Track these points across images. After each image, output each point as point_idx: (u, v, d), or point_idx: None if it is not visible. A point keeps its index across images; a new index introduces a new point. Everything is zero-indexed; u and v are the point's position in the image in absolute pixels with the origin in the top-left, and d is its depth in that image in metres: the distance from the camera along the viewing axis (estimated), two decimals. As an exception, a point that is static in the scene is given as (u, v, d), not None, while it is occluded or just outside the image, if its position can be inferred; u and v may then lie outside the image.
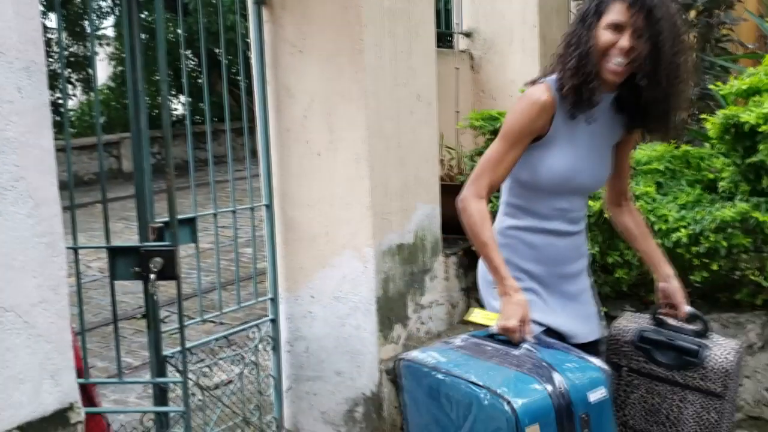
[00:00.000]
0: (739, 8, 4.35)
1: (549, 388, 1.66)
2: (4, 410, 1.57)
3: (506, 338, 1.83)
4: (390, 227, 3.11)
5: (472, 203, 1.93)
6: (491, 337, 1.87)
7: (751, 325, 3.00)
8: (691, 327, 2.09)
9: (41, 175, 1.63)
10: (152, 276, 2.09)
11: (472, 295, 3.66)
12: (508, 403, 1.60)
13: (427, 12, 3.28)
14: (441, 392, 1.76)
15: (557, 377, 1.69)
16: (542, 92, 1.91)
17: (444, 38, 4.69)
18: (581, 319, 2.08)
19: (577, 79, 1.84)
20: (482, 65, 4.61)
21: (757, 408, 2.96)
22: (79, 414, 1.72)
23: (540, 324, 2.01)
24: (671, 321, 2.13)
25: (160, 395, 2.47)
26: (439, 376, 1.76)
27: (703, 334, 2.06)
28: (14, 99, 1.57)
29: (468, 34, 4.66)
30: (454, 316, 3.59)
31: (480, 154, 3.74)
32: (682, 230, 2.94)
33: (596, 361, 1.79)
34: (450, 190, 3.70)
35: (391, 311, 3.14)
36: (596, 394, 1.72)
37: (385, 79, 3.03)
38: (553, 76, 1.93)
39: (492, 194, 1.99)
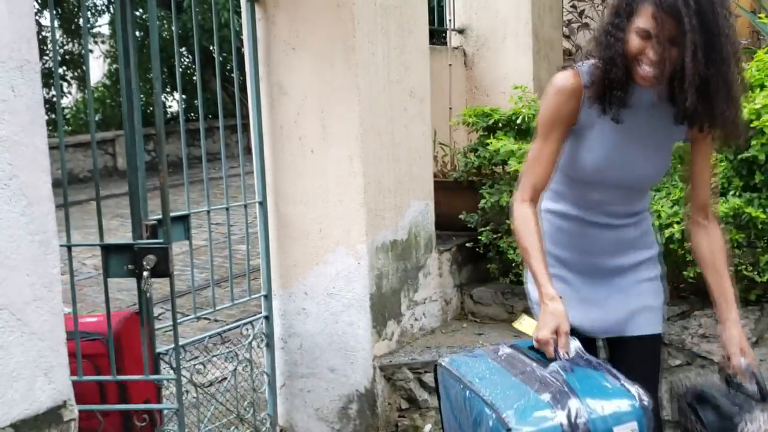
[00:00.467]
0: (731, 4, 4.36)
1: (563, 417, 1.51)
2: (-2, 408, 1.57)
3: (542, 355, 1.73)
4: (383, 224, 3.12)
5: (515, 208, 1.85)
6: (532, 348, 1.76)
7: (745, 321, 3.02)
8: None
9: (35, 173, 1.63)
10: (145, 274, 2.10)
11: (465, 291, 3.67)
12: (508, 430, 1.50)
13: (419, 8, 3.29)
14: (464, 403, 1.71)
15: (575, 405, 1.53)
16: (566, 78, 1.81)
17: (437, 35, 4.69)
18: (624, 312, 1.94)
19: (606, 82, 1.73)
20: (475, 62, 4.61)
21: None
22: (73, 411, 1.73)
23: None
24: (742, 378, 1.82)
25: (154, 392, 2.48)
26: (462, 386, 1.72)
27: (761, 397, 1.74)
28: (7, 98, 1.57)
29: (461, 31, 4.66)
30: (448, 313, 3.61)
31: (473, 150, 3.75)
32: (675, 226, 2.95)
33: (634, 390, 1.59)
34: (444, 186, 3.72)
35: (384, 308, 3.15)
36: (624, 429, 1.52)
37: (378, 76, 3.04)
38: (588, 62, 1.79)
39: (539, 191, 1.89)
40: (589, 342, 1.99)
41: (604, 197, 1.90)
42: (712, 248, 1.91)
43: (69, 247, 2.10)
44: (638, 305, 1.95)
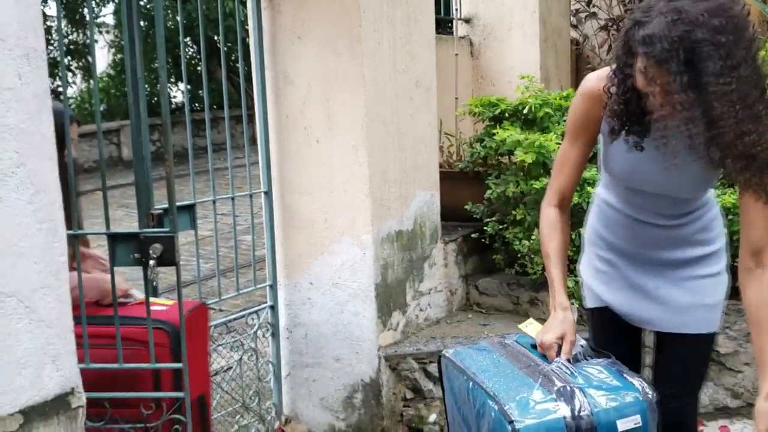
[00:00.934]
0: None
1: (566, 410, 1.53)
2: (6, 394, 1.58)
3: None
4: (389, 214, 3.12)
5: (542, 211, 1.84)
6: (535, 347, 1.78)
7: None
8: None
9: (41, 161, 1.64)
10: (152, 262, 2.10)
11: (470, 282, 3.67)
12: (511, 422, 1.52)
13: (426, -2, 3.28)
14: (467, 395, 1.73)
15: (580, 399, 1.54)
16: (594, 80, 1.74)
17: (443, 24, 4.67)
18: (674, 307, 1.83)
19: (624, 116, 1.64)
20: (482, 51, 4.60)
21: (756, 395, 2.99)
22: (80, 399, 1.73)
23: (601, 300, 1.92)
24: None
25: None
26: (466, 378, 1.74)
27: None
28: (14, 86, 1.57)
29: (467, 20, 4.65)
30: (453, 303, 3.61)
31: (479, 140, 3.74)
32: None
33: (638, 383, 1.61)
34: (449, 176, 3.72)
35: (389, 298, 3.15)
36: (628, 423, 1.54)
37: (384, 65, 3.03)
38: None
39: (567, 196, 1.86)
40: (633, 330, 1.96)
41: (645, 202, 1.80)
42: (760, 300, 1.64)
43: (76, 236, 2.10)
44: (691, 301, 1.82)
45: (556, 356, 1.71)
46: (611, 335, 1.98)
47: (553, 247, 1.81)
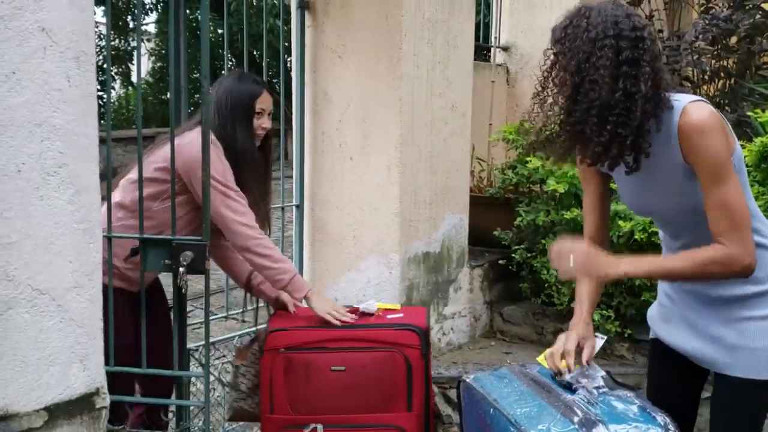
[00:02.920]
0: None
1: None
2: (33, 390, 1.60)
3: (566, 383, 1.72)
4: (417, 235, 3.12)
5: None
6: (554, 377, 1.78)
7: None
8: None
9: (84, 162, 1.67)
10: (182, 269, 2.12)
11: (495, 309, 3.65)
12: None
13: (466, 24, 3.30)
14: (488, 421, 1.71)
15: (601, 431, 1.53)
16: None
17: (481, 51, 4.69)
18: (722, 346, 1.75)
19: None
20: (518, 80, 4.61)
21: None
22: (105, 399, 1.75)
23: (654, 332, 1.91)
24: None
25: (181, 388, 2.50)
26: (487, 404, 1.73)
27: None
28: (63, 87, 1.61)
29: (505, 48, 4.66)
30: (477, 329, 3.59)
31: (512, 167, 3.74)
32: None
33: (661, 419, 1.58)
34: (479, 201, 3.71)
35: (413, 319, 3.14)
36: None
37: (422, 88, 3.05)
38: None
39: (598, 239, 1.85)
40: (690, 375, 1.88)
41: (667, 229, 1.80)
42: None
43: (110, 238, 2.13)
44: (738, 342, 1.73)
45: (576, 362, 1.71)
46: (664, 373, 1.92)
47: (581, 289, 1.82)
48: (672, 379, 1.91)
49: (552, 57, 1.63)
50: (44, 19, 1.56)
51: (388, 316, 2.27)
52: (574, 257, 1.68)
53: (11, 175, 1.53)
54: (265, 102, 2.34)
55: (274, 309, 2.43)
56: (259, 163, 2.38)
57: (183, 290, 2.22)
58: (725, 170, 1.57)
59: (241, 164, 2.31)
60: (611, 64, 1.54)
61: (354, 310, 2.29)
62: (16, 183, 1.54)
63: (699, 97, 1.63)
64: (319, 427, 2.16)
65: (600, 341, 1.79)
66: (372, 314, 2.29)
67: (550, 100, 1.63)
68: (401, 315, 2.29)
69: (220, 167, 2.22)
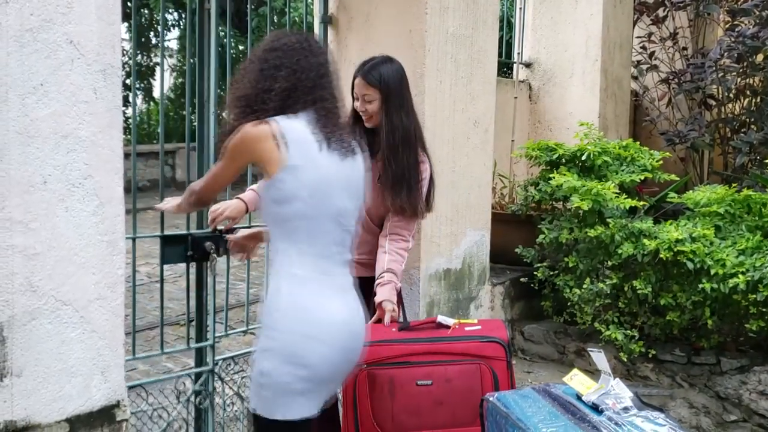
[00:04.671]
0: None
1: None
2: (54, 401, 1.60)
3: (592, 403, 1.71)
4: (438, 251, 3.09)
5: None
6: (580, 399, 1.75)
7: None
8: None
9: (108, 174, 1.67)
10: (213, 255, 2.25)
11: (516, 327, 3.61)
12: None
13: (490, 40, 3.29)
14: None
15: None
16: None
17: (504, 67, 4.69)
18: None
19: None
20: (540, 96, 4.59)
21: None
22: (125, 412, 1.74)
23: None
24: None
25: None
26: (510, 423, 1.71)
27: None
28: (89, 100, 1.62)
29: (528, 65, 4.65)
30: (497, 347, 3.54)
31: (534, 184, 3.71)
32: (740, 276, 2.85)
33: None
34: (500, 218, 3.69)
35: (434, 336, 3.11)
36: None
37: (444, 104, 3.04)
38: None
39: None
40: None
41: None
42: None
43: (133, 239, 2.19)
44: None
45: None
46: None
47: None
48: None
49: None
50: (72, 32, 1.57)
51: (466, 329, 2.21)
52: None
53: (37, 186, 1.54)
54: (357, 86, 2.33)
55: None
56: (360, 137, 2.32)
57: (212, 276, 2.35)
58: None
59: None
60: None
61: (431, 321, 2.25)
62: (42, 194, 1.55)
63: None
64: None
65: (630, 393, 1.74)
66: (449, 327, 2.22)
67: None
68: (479, 327, 2.22)
69: None
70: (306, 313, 1.60)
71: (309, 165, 1.58)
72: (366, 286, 2.17)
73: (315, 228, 1.61)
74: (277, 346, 1.59)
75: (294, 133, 1.57)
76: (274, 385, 1.58)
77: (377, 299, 2.22)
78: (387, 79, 2.30)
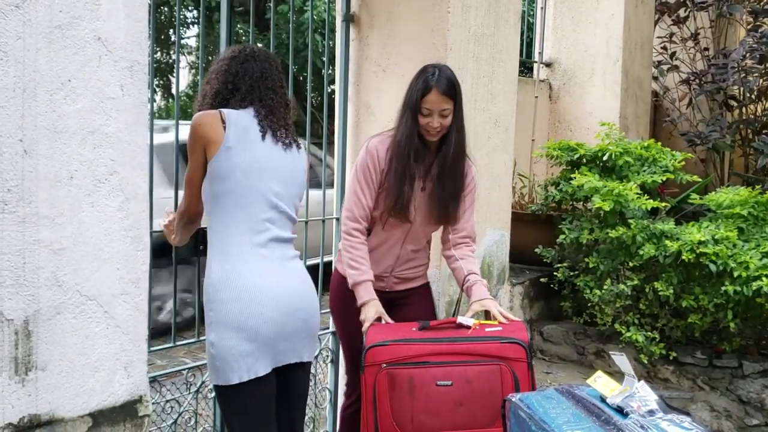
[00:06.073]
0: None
1: None
2: (78, 396, 1.60)
3: (617, 406, 1.69)
4: (458, 251, 3.08)
5: None
6: (604, 401, 1.73)
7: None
8: None
9: (134, 170, 1.68)
10: None
11: (535, 328, 3.59)
12: None
13: (511, 39, 3.27)
14: None
15: None
16: None
17: (524, 67, 4.66)
18: None
19: None
20: (561, 96, 4.56)
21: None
22: (147, 407, 1.75)
23: None
24: None
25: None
26: (533, 424, 1.70)
27: None
28: (116, 96, 1.62)
29: (549, 64, 4.63)
30: (515, 347, 3.52)
31: (555, 184, 3.69)
32: (764, 279, 2.82)
33: None
34: (520, 218, 3.67)
35: (452, 336, 3.09)
36: None
37: (465, 102, 3.01)
38: None
39: None
40: None
41: None
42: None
43: (150, 233, 2.19)
44: None
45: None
46: None
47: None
48: None
49: None
50: (100, 29, 1.58)
51: (486, 329, 2.20)
52: None
53: (64, 181, 1.54)
54: (431, 102, 2.22)
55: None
56: (417, 159, 2.28)
57: None
58: None
59: (394, 157, 2.26)
60: None
61: (451, 321, 2.25)
62: (69, 189, 1.55)
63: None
64: None
65: (655, 396, 1.72)
66: (469, 327, 2.21)
67: None
68: (500, 328, 2.21)
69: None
70: (236, 281, 1.77)
71: (245, 147, 1.79)
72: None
73: (244, 205, 1.79)
74: (217, 317, 1.77)
75: (235, 117, 1.80)
76: (222, 352, 1.76)
77: (472, 299, 2.32)
78: (458, 87, 2.25)
